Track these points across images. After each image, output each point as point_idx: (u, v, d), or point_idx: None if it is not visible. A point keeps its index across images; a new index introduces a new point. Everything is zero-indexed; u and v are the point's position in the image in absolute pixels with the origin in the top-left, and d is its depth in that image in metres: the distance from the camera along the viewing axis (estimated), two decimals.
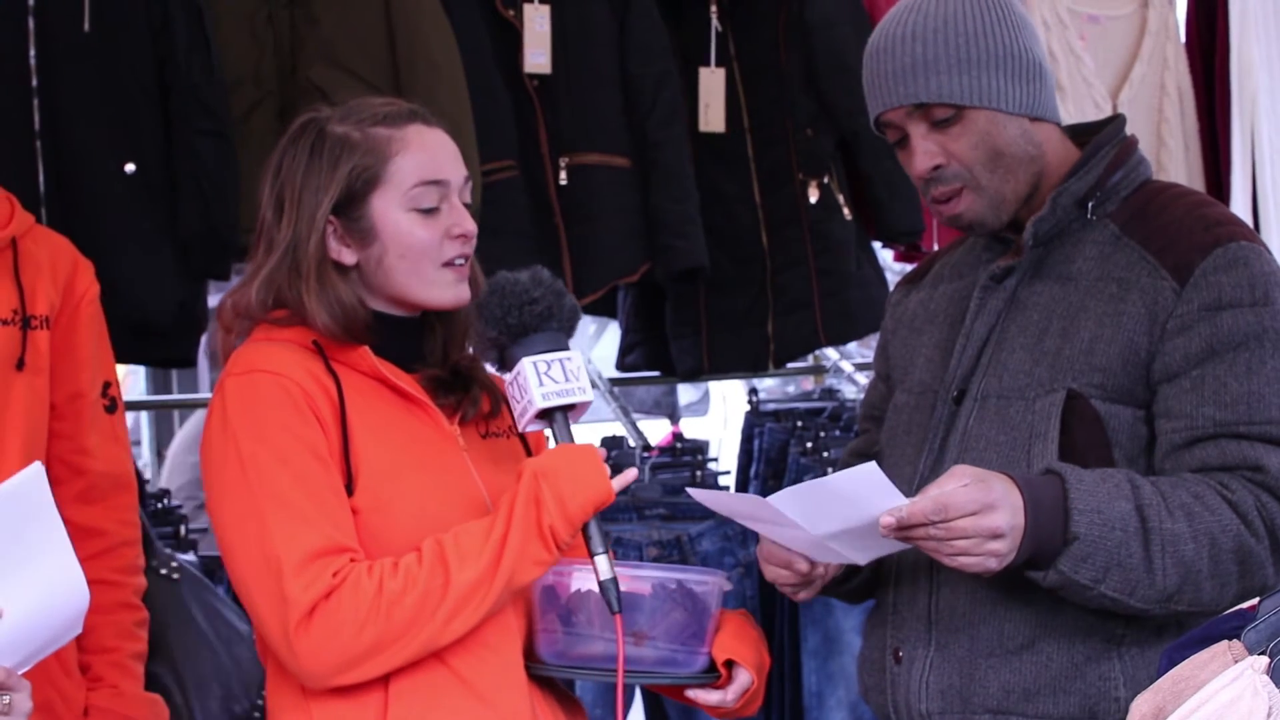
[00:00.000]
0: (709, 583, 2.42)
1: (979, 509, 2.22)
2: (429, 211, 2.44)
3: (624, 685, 2.33)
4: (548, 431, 2.42)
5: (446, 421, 2.48)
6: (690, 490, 2.50)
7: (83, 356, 2.74)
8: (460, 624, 2.31)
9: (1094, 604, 2.32)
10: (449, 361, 2.50)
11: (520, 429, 2.41)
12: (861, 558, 2.42)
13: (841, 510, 2.27)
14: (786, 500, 2.29)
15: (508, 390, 2.41)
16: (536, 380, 2.35)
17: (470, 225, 2.46)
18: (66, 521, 2.67)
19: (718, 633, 2.45)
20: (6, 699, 2.17)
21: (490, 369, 2.52)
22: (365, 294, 2.45)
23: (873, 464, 2.22)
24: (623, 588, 2.34)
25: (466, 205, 2.48)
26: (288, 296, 2.43)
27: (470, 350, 2.53)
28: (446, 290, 2.45)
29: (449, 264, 2.45)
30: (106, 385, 2.78)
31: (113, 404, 2.78)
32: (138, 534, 2.82)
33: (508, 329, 2.38)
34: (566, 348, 2.40)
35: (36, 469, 2.13)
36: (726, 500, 2.45)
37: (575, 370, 2.38)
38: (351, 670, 2.30)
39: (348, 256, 2.44)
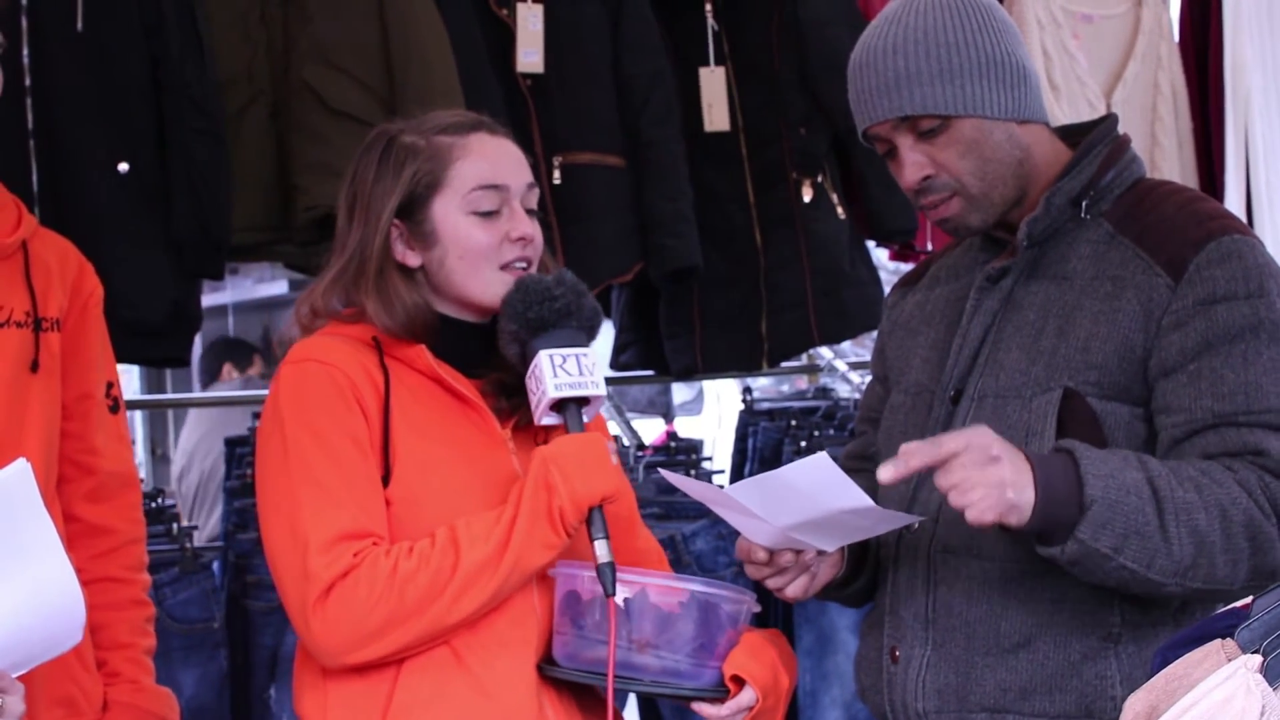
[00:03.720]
0: (727, 598, 2.44)
1: (969, 439, 2.23)
2: (488, 215, 2.52)
3: (629, 693, 2.36)
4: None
5: (499, 425, 2.53)
6: (663, 471, 2.55)
7: (91, 357, 2.76)
8: (468, 603, 2.37)
9: (1111, 579, 2.30)
10: (514, 365, 2.53)
11: (536, 420, 2.47)
12: (828, 545, 2.43)
13: (798, 501, 2.29)
14: (744, 491, 2.32)
15: (527, 383, 2.47)
16: (551, 371, 2.42)
17: (528, 229, 2.53)
18: (77, 520, 2.72)
19: (733, 649, 2.45)
20: (1, 701, 2.17)
21: None
22: (432, 297, 2.53)
23: (824, 454, 2.23)
24: (640, 597, 2.39)
25: (531, 211, 2.56)
26: (353, 297, 2.53)
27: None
28: (504, 292, 2.50)
29: (507, 267, 2.51)
30: (109, 385, 2.80)
31: (115, 404, 2.81)
32: (143, 531, 2.86)
33: (527, 323, 2.45)
34: (585, 345, 2.47)
35: (21, 465, 2.13)
36: (695, 486, 2.48)
37: (590, 365, 2.46)
38: (365, 647, 2.36)
39: (413, 259, 2.53)
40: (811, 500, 2.28)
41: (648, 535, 2.72)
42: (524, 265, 2.53)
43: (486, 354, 2.55)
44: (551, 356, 2.42)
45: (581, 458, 2.40)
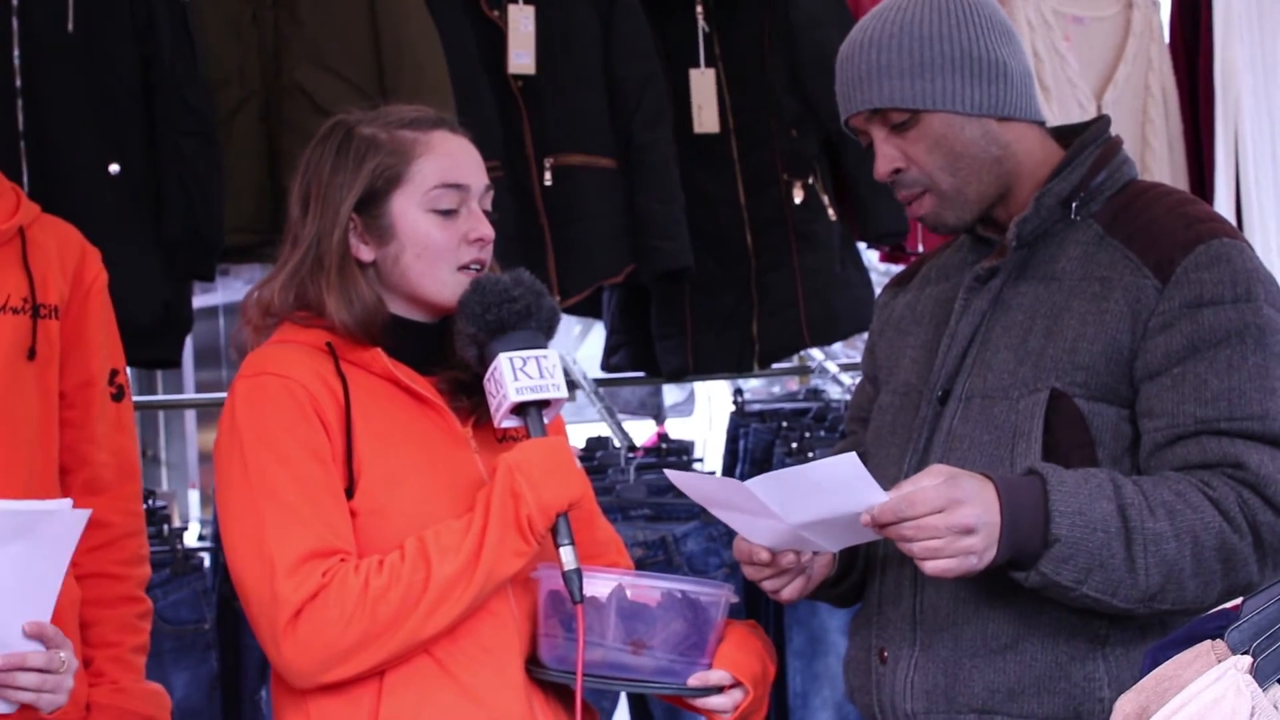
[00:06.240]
0: (712, 594, 2.44)
1: (946, 504, 2.23)
2: (447, 214, 2.48)
3: (621, 694, 2.35)
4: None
5: (460, 424, 2.50)
6: (668, 472, 2.53)
7: (93, 344, 2.73)
8: (441, 617, 2.34)
9: (1077, 604, 2.33)
10: (467, 368, 2.52)
11: (496, 423, 2.44)
12: (833, 546, 2.43)
13: (818, 500, 2.28)
14: (764, 486, 2.29)
15: (485, 386, 2.44)
16: (511, 375, 2.39)
17: (487, 230, 2.50)
18: None
19: (721, 644, 2.45)
20: (62, 655, 2.22)
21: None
22: (383, 293, 2.50)
23: (852, 455, 2.23)
24: (626, 596, 2.38)
25: (486, 213, 2.53)
26: (309, 292, 2.48)
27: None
28: (459, 293, 2.47)
29: (464, 268, 2.49)
30: (114, 373, 2.77)
31: (120, 392, 2.78)
32: (142, 524, 2.82)
33: (485, 325, 2.42)
34: (544, 346, 2.43)
35: (82, 516, 2.20)
36: (702, 484, 2.46)
37: (551, 367, 2.42)
38: (336, 667, 2.33)
39: (365, 254, 2.49)
40: (830, 499, 2.27)
41: (606, 526, 2.69)
42: (479, 267, 2.50)
43: (439, 352, 2.52)
44: (511, 359, 2.39)
45: (547, 464, 2.38)
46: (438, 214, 2.48)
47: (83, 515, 2.21)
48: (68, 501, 2.23)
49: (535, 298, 2.44)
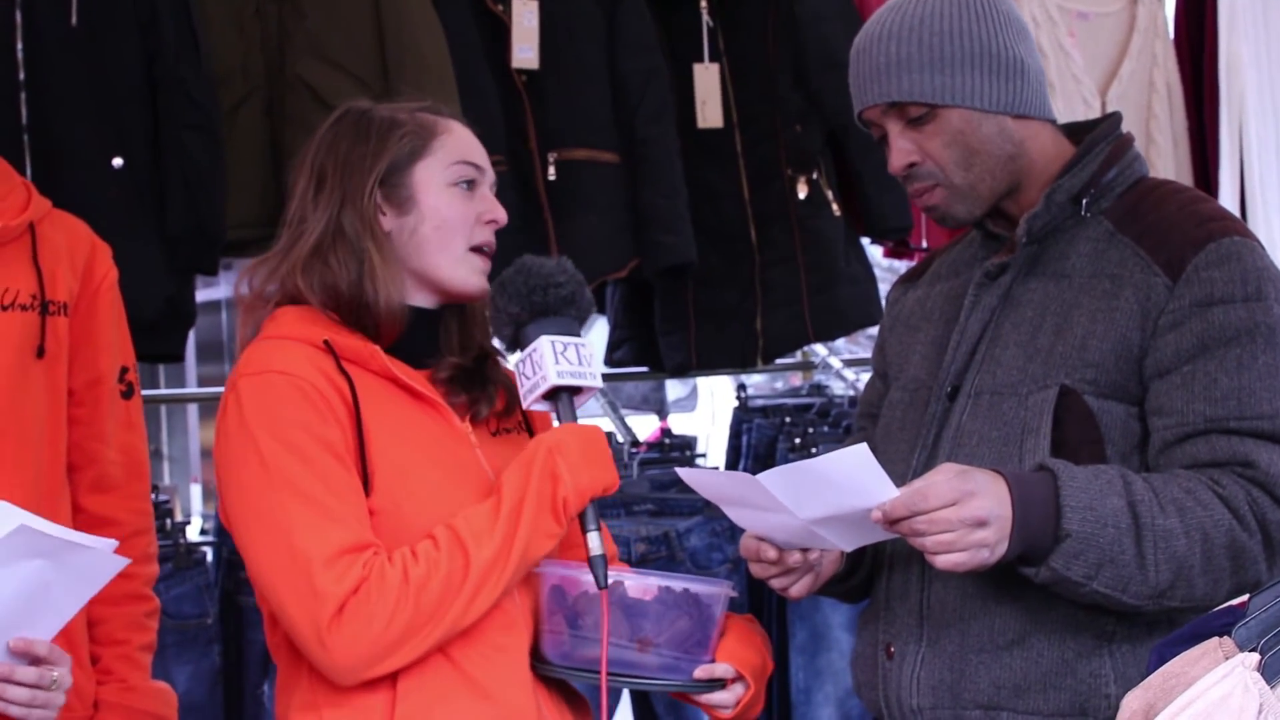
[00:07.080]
0: (714, 590, 2.44)
1: (959, 498, 2.23)
2: (468, 188, 2.50)
3: (625, 690, 2.34)
4: (553, 414, 2.47)
5: (458, 420, 2.49)
6: (679, 470, 2.52)
7: (103, 341, 2.73)
8: (483, 601, 2.33)
9: (1086, 600, 2.33)
10: (466, 355, 2.52)
11: (525, 405, 2.45)
12: (847, 545, 2.42)
13: (830, 494, 2.27)
14: (776, 480, 2.28)
15: (518, 367, 2.44)
16: (553, 358, 2.39)
17: (501, 213, 2.52)
18: (81, 511, 2.71)
19: (722, 638, 2.45)
20: (55, 674, 2.21)
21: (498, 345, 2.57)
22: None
23: (863, 445, 2.22)
24: (630, 594, 2.38)
25: None
26: (333, 267, 2.44)
27: (491, 338, 2.57)
28: (471, 275, 2.49)
29: (476, 249, 2.49)
30: (124, 370, 2.76)
31: (129, 389, 2.77)
32: (150, 522, 2.81)
33: (530, 306, 2.42)
34: (579, 335, 2.45)
35: (119, 563, 2.22)
36: (713, 480, 2.45)
37: (589, 356, 2.44)
38: (385, 660, 2.31)
39: (385, 223, 2.48)
40: (842, 492, 2.26)
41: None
42: (489, 252, 2.51)
43: (433, 344, 2.52)
44: (554, 343, 2.40)
45: (585, 449, 2.38)
46: (458, 188, 2.49)
47: (120, 562, 2.21)
48: (112, 542, 2.22)
49: (579, 287, 2.47)
